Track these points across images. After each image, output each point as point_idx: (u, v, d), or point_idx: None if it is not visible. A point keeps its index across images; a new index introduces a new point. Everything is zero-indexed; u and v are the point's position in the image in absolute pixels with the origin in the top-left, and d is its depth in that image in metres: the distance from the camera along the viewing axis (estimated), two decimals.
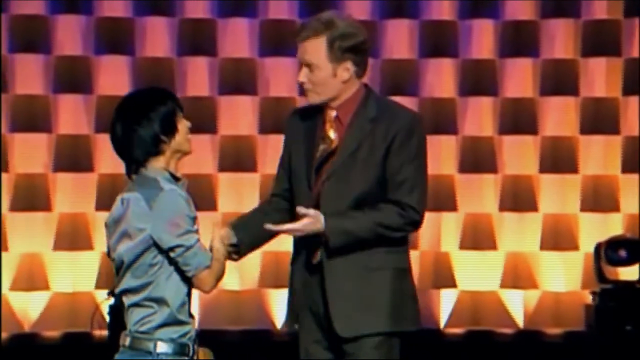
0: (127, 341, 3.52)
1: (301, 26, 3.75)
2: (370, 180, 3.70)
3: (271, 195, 3.92)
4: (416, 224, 3.73)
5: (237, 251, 3.80)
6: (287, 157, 3.85)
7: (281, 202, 3.87)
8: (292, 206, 3.78)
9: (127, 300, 3.55)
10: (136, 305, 3.54)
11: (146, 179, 3.53)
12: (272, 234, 3.80)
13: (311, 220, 3.66)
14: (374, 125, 3.72)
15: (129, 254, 3.52)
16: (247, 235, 3.79)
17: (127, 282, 3.54)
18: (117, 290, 3.58)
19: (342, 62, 3.71)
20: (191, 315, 3.60)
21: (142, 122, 3.52)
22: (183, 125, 3.57)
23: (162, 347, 3.50)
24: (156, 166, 3.55)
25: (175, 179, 3.57)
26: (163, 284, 3.51)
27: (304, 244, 3.76)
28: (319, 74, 3.71)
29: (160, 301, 3.51)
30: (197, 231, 3.51)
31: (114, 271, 3.62)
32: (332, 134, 3.75)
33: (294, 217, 3.76)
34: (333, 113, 3.76)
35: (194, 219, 3.51)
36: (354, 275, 3.71)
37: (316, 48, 3.69)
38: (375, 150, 3.70)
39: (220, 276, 3.56)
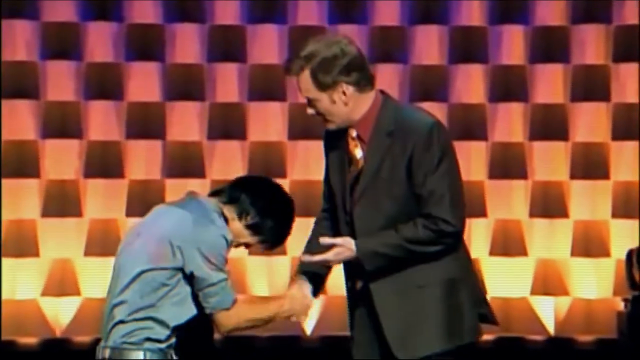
0: (107, 353, 3.47)
1: (286, 63, 3.66)
2: (398, 198, 3.59)
3: (321, 211, 3.82)
4: (451, 235, 3.60)
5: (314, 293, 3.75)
6: (328, 175, 3.76)
7: (330, 221, 3.77)
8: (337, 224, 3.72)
9: (118, 314, 3.48)
10: (128, 322, 3.49)
11: (202, 206, 3.54)
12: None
13: (341, 248, 3.58)
14: (392, 139, 3.60)
15: (147, 260, 3.45)
16: (317, 277, 3.72)
17: (131, 296, 3.47)
18: (114, 300, 3.50)
19: (335, 87, 3.59)
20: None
21: (254, 212, 3.56)
22: (249, 241, 3.58)
23: (150, 356, 3.47)
24: (213, 202, 3.57)
25: (225, 219, 3.58)
26: (168, 309, 3.47)
27: (349, 267, 3.67)
28: (319, 105, 3.62)
29: (161, 323, 3.48)
30: (227, 272, 3.49)
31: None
32: (357, 154, 3.65)
33: (338, 233, 3.68)
34: (353, 132, 3.65)
35: (226, 262, 3.50)
36: (402, 294, 3.60)
37: (305, 83, 3.61)
38: (397, 166, 3.59)
39: (245, 325, 3.52)
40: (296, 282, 3.69)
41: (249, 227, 3.57)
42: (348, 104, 3.63)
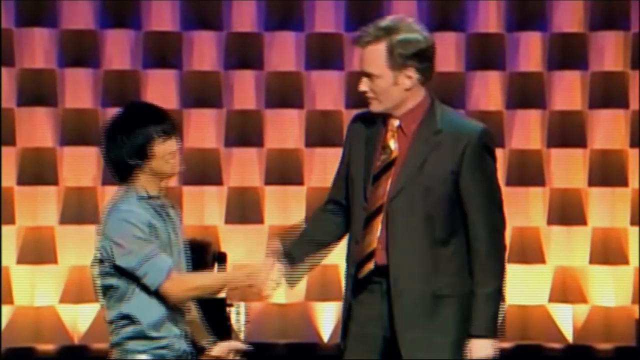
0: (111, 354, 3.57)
1: (360, 32, 3.59)
2: (439, 197, 3.55)
3: (326, 202, 3.77)
4: (502, 238, 3.59)
5: (292, 280, 3.73)
6: (346, 164, 3.69)
7: (336, 211, 3.73)
8: (348, 214, 3.65)
9: (105, 316, 3.59)
10: (111, 321, 3.57)
11: (120, 192, 3.58)
12: (322, 243, 3.71)
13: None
14: (439, 138, 3.56)
15: (94, 269, 3.57)
16: (301, 252, 3.70)
17: (101, 300, 3.58)
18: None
19: (404, 70, 3.53)
20: (184, 331, 3.58)
21: (113, 147, 3.53)
22: (164, 149, 3.52)
23: (135, 356, 3.50)
24: (135, 180, 3.56)
25: (149, 196, 3.55)
26: (129, 302, 3.51)
27: (355, 258, 3.64)
28: (380, 82, 3.53)
29: (128, 318, 3.52)
30: (148, 244, 3.47)
31: None
32: (392, 144, 3.59)
33: (349, 225, 3.65)
34: (396, 122, 3.60)
35: (143, 238, 3.47)
36: (423, 301, 3.56)
37: (375, 56, 3.52)
38: (442, 166, 3.55)
39: (194, 292, 3.51)
40: (267, 255, 3.65)
41: (139, 160, 3.51)
42: (409, 90, 3.56)
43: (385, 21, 3.58)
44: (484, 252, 3.55)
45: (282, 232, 3.75)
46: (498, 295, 3.57)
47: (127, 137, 3.50)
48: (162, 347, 3.52)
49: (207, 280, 3.56)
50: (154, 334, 3.50)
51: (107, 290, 3.55)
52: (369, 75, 3.56)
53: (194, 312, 3.69)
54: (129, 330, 3.52)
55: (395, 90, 3.56)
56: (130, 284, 3.50)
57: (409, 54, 3.54)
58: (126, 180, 3.57)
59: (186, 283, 3.49)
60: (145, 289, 3.50)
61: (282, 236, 3.72)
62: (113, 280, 3.53)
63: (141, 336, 3.51)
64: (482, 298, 3.54)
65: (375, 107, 3.61)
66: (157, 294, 3.49)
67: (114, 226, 3.50)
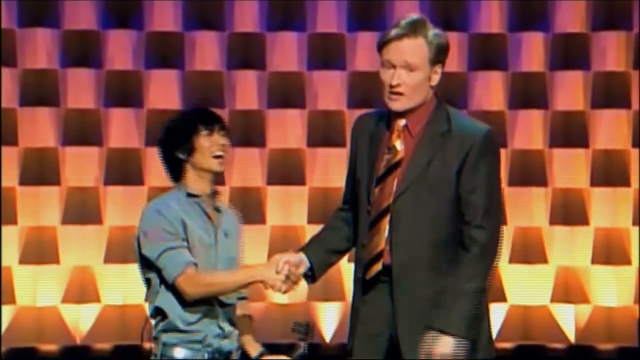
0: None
1: (393, 27, 3.59)
2: (444, 197, 3.55)
3: (342, 204, 3.80)
4: (496, 239, 3.55)
5: (312, 275, 3.74)
6: (353, 166, 3.70)
7: (349, 214, 3.74)
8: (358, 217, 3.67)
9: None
10: (150, 316, 3.65)
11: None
12: (342, 251, 3.74)
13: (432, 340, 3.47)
14: (445, 139, 3.56)
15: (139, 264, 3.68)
16: (319, 257, 3.72)
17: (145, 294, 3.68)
18: None
19: (435, 65, 3.58)
20: (221, 328, 3.61)
21: (164, 144, 3.72)
22: (208, 141, 3.66)
23: (170, 351, 3.54)
24: (184, 179, 3.70)
25: (190, 195, 3.63)
26: (159, 296, 3.59)
27: (362, 260, 3.65)
28: (418, 76, 3.54)
29: (160, 311, 3.60)
30: (173, 241, 3.54)
31: None
32: (398, 145, 3.59)
33: (357, 228, 3.66)
34: (402, 122, 3.60)
35: (170, 232, 3.55)
36: (425, 302, 3.54)
37: (418, 48, 3.54)
38: (448, 166, 3.55)
39: (209, 288, 3.55)
40: (286, 253, 3.69)
41: (184, 146, 3.66)
42: (432, 87, 3.60)
43: (411, 18, 3.60)
44: (475, 250, 3.52)
45: (304, 245, 3.76)
46: (478, 296, 3.49)
47: (175, 132, 3.67)
48: (196, 342, 3.56)
49: (221, 277, 3.60)
50: (183, 326, 3.55)
51: (147, 285, 3.64)
52: (408, 68, 3.55)
53: (244, 316, 3.72)
54: (163, 324, 3.59)
55: (426, 86, 3.59)
56: (159, 277, 3.58)
57: (442, 49, 3.61)
58: (178, 180, 3.69)
59: (200, 279, 3.55)
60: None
61: (305, 250, 3.74)
62: (148, 274, 3.62)
63: (172, 328, 3.58)
64: (460, 293, 3.47)
65: (401, 103, 3.59)
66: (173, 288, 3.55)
67: (146, 216, 3.62)
